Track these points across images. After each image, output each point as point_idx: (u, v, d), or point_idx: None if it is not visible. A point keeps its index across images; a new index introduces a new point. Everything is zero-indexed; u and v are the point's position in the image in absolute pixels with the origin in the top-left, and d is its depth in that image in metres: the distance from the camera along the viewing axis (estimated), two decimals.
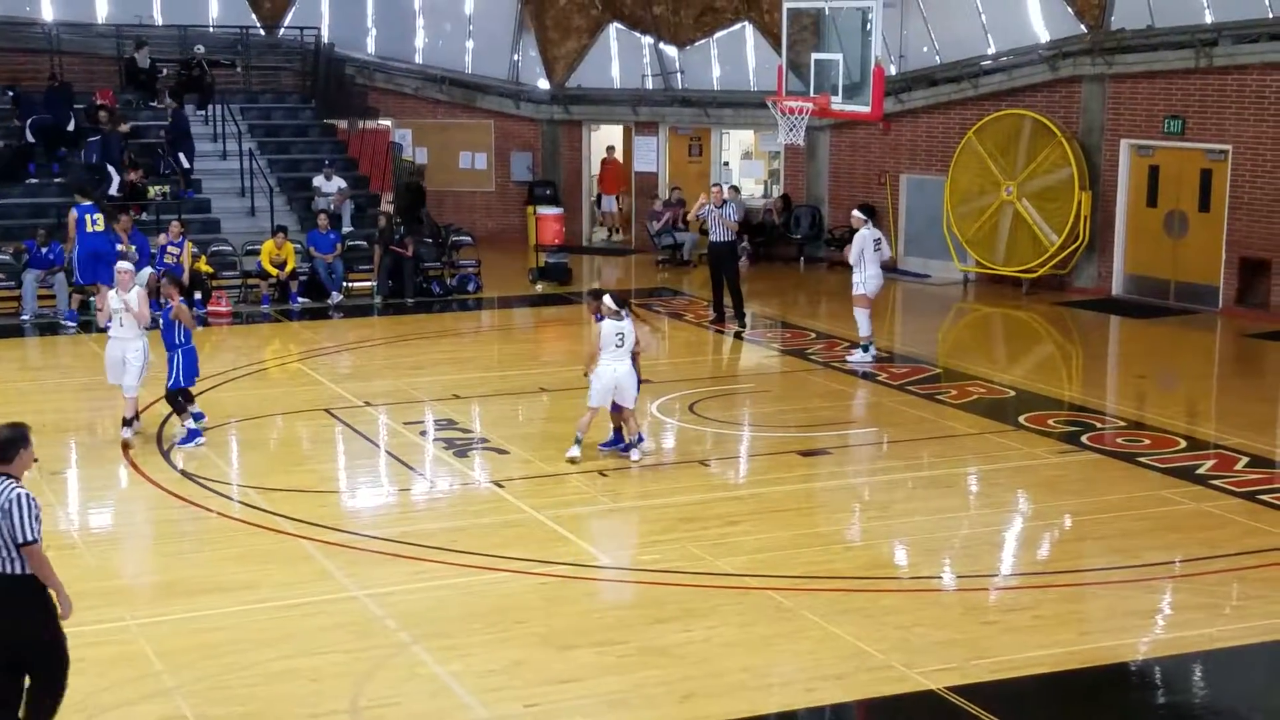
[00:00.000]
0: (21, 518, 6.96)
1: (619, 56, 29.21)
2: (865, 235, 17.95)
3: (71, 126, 24.01)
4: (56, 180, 23.47)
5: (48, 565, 7.18)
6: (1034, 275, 23.12)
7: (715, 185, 21.79)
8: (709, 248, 20.88)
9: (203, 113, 25.70)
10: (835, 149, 26.71)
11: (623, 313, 13.33)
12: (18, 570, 7.03)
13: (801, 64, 20.63)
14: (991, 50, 24.36)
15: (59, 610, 7.29)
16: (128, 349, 13.92)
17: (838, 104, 19.24)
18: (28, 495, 7.05)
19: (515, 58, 29.65)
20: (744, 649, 9.14)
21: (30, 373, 18.08)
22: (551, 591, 10.17)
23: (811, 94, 19.56)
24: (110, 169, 23.07)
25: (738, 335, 20.14)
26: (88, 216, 19.90)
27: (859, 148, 26.36)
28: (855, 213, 18.49)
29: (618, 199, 29.62)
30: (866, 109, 18.84)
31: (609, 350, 13.18)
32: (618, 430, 13.63)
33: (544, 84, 29.36)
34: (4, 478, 7.09)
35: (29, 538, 6.97)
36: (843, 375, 17.43)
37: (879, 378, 17.21)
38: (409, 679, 8.73)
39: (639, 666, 8.90)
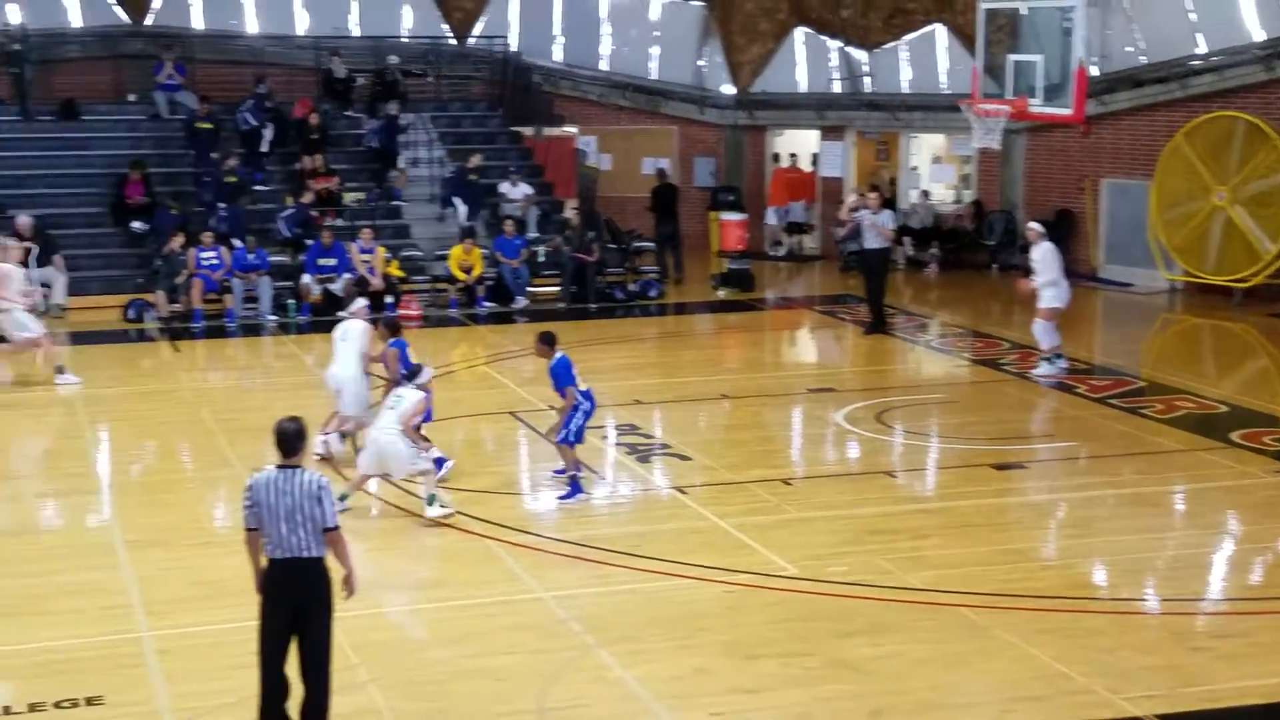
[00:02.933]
0: (329, 505, 7.56)
1: (805, 60, 29.05)
2: (1050, 248, 17.47)
3: (272, 135, 24.86)
4: (256, 187, 24.29)
5: (347, 549, 7.73)
6: (1247, 285, 22.23)
7: (873, 191, 21.52)
8: (863, 255, 20.62)
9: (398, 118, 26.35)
10: (1031, 153, 26.13)
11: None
12: (316, 553, 7.56)
13: (997, 65, 20.25)
14: (1201, 50, 23.52)
15: (344, 591, 7.82)
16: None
17: (1036, 106, 18.82)
18: (329, 483, 7.62)
19: (700, 63, 29.73)
20: (935, 666, 8.98)
21: (236, 372, 18.77)
22: (736, 600, 10.14)
23: (1008, 96, 19.17)
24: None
25: (868, 332, 20.00)
26: None
27: (1056, 151, 25.72)
28: (1033, 225, 18.03)
29: (787, 211, 28.81)
30: (1067, 111, 18.40)
31: None
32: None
33: (728, 89, 29.38)
34: (297, 469, 7.59)
35: (334, 523, 7.58)
36: (1038, 387, 17.01)
37: (1078, 390, 16.75)
38: (595, 682, 8.79)
39: (825, 679, 8.81)
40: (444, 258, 22.93)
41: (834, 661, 9.04)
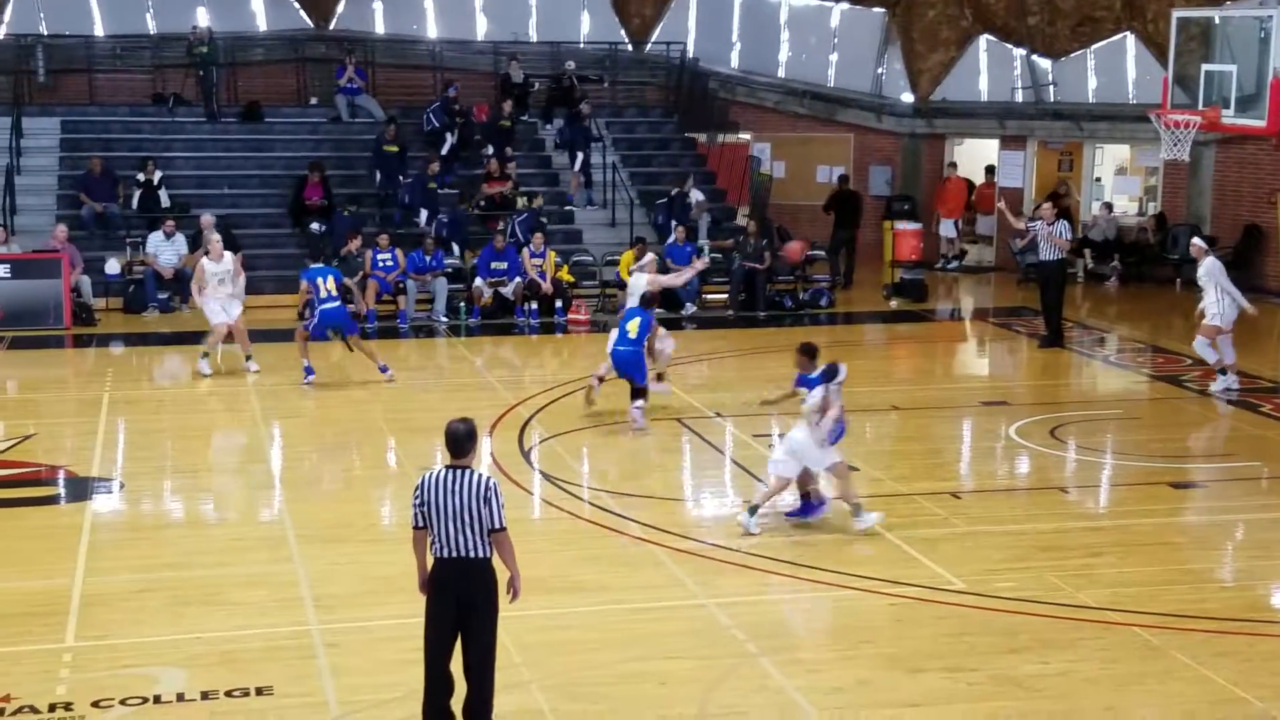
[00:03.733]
0: (498, 507, 7.71)
1: (987, 68, 28.63)
2: (1215, 263, 16.88)
3: (454, 139, 25.39)
4: (444, 190, 24.81)
5: (513, 551, 7.85)
6: None
7: (1047, 202, 21.09)
8: (1038, 266, 20.22)
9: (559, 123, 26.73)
10: (1220, 165, 25.34)
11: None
12: (483, 554, 7.71)
13: (1189, 75, 19.69)
14: None
15: (508, 594, 7.95)
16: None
17: (1229, 117, 18.29)
18: (497, 485, 7.76)
19: (879, 70, 29.53)
20: (1107, 686, 8.80)
21: (408, 373, 19.20)
22: (901, 613, 10.07)
23: (1200, 107, 18.66)
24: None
25: (1043, 345, 19.68)
26: None
27: (1247, 164, 24.89)
28: (1196, 241, 17.48)
29: (958, 223, 28.31)
30: (1261, 123, 17.83)
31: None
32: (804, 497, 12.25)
33: (907, 97, 29.10)
34: (467, 470, 7.75)
35: (502, 525, 7.71)
36: (1219, 405, 16.50)
37: (1262, 409, 16.21)
38: (757, 690, 8.82)
39: (991, 696, 8.70)
40: (615, 263, 23.17)
41: (1000, 678, 8.92)
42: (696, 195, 25.09)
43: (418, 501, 7.75)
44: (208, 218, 22.49)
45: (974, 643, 9.52)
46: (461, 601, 7.71)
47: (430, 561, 7.87)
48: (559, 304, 22.10)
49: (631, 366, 15.07)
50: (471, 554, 7.68)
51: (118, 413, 16.08)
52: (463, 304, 22.06)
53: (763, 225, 24.80)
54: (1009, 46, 28.03)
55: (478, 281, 22.22)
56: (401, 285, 21.94)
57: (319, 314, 17.18)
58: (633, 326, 15.08)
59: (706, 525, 12.35)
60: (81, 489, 13.14)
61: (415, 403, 16.82)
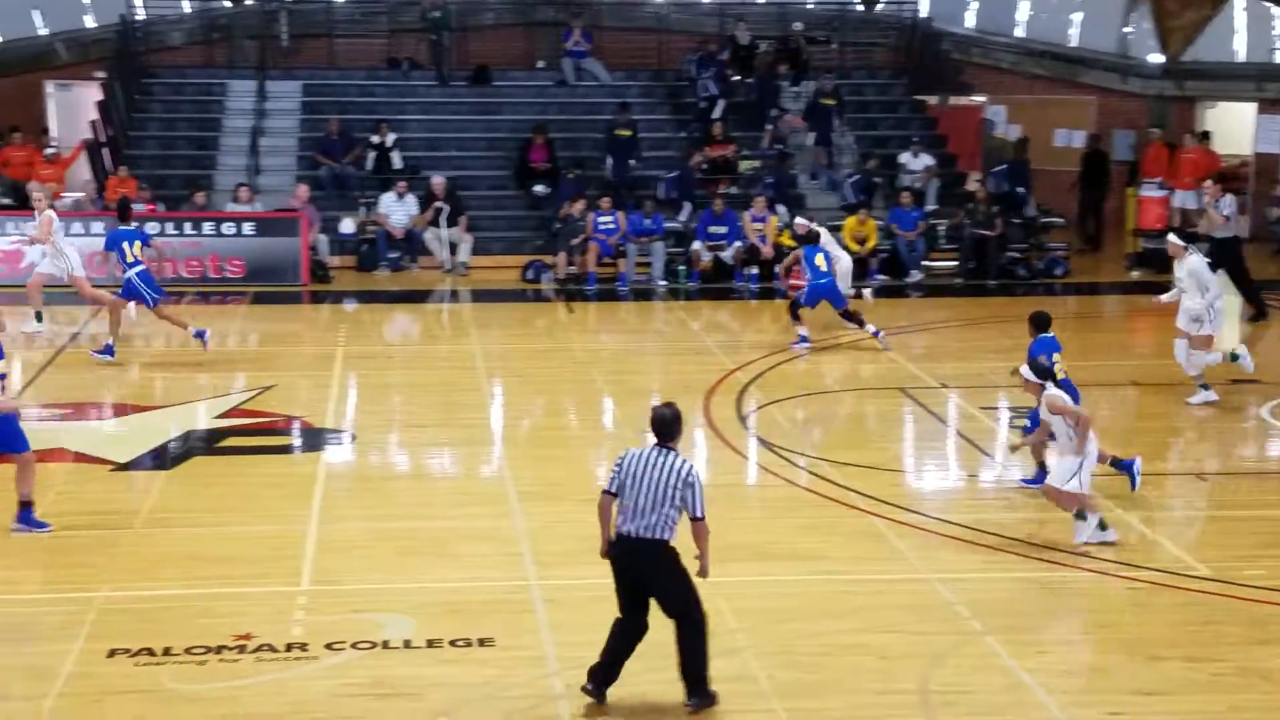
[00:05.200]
0: (699, 494, 7.75)
1: (1246, 27, 27.22)
2: (1199, 262, 14.96)
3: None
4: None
5: (708, 541, 7.90)
6: None
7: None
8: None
9: (796, 89, 26.43)
10: None
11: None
12: (663, 536, 7.74)
13: None
14: None
15: (699, 570, 7.95)
16: None
17: None
18: (699, 475, 7.80)
19: (1126, 29, 28.36)
20: None
21: (626, 335, 19.36)
22: (1141, 598, 9.67)
23: None
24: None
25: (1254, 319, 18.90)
26: None
27: None
28: (1172, 239, 15.39)
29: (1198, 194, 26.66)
30: None
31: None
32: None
33: (1156, 57, 27.89)
34: (672, 452, 7.80)
35: (701, 514, 7.78)
36: None
37: None
38: (980, 669, 8.58)
39: (1237, 688, 8.29)
40: (838, 228, 22.85)
41: (1246, 669, 8.49)
42: (925, 160, 24.55)
43: (617, 468, 7.85)
44: (437, 180, 23.02)
45: (1219, 632, 9.07)
46: (638, 578, 7.83)
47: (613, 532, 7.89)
48: (779, 269, 21.91)
49: (830, 293, 17.09)
50: (654, 534, 7.73)
51: (350, 367, 16.59)
52: (681, 267, 22.07)
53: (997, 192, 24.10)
54: (1270, 4, 26.57)
55: (696, 244, 22.20)
56: (622, 248, 22.06)
57: (127, 280, 16.52)
58: (820, 261, 17.13)
59: (929, 498, 12.08)
60: (315, 439, 13.60)
61: (633, 365, 16.92)
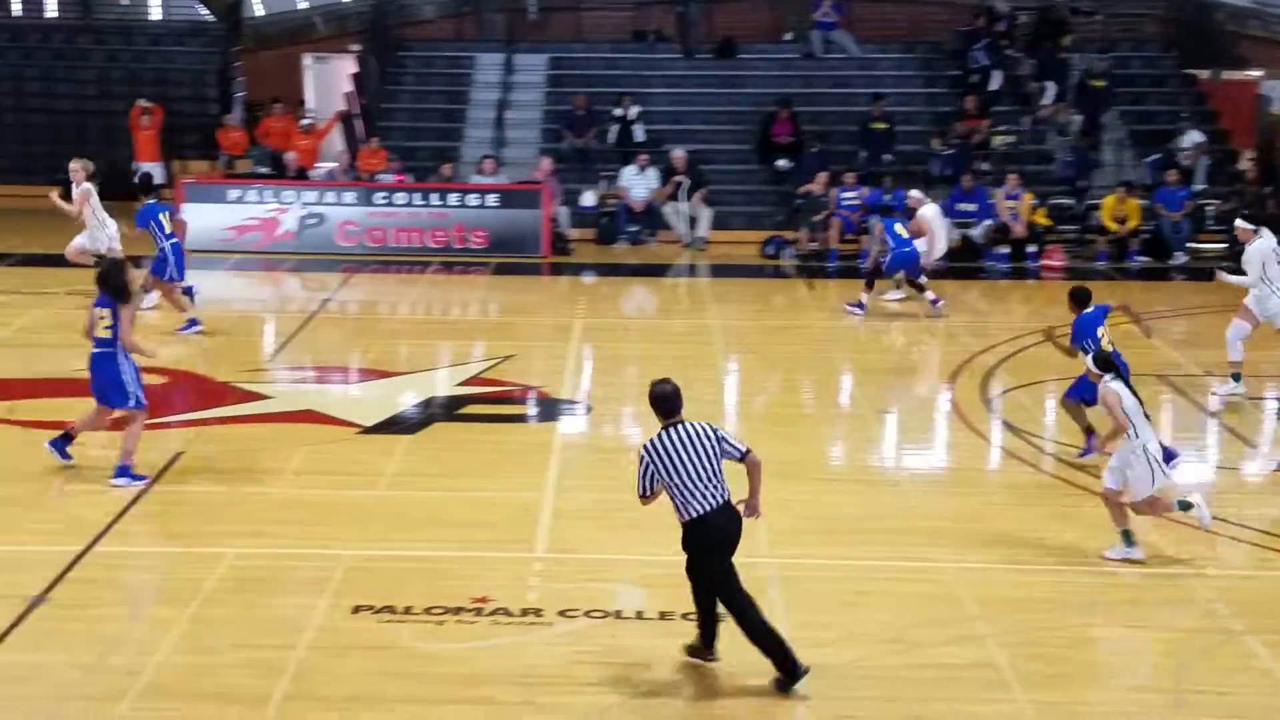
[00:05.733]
0: (729, 435, 7.99)
1: None
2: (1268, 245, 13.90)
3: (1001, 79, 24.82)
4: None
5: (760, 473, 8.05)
6: None
7: None
8: None
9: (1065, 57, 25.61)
10: None
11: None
12: (728, 495, 7.88)
13: None
14: None
15: (747, 514, 8.05)
16: None
17: None
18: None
19: None
20: None
21: (866, 315, 19.13)
22: None
23: None
24: None
25: None
26: None
27: None
28: (1240, 222, 14.49)
29: None
30: None
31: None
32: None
33: None
34: (685, 424, 7.95)
35: (746, 448, 7.99)
36: None
37: None
38: (1239, 670, 8.22)
39: None
40: (1096, 207, 22.14)
41: None
42: (1194, 137, 23.55)
43: (647, 473, 7.86)
44: (679, 153, 23.14)
45: None
46: (734, 543, 7.94)
47: (687, 521, 7.87)
48: (1031, 248, 21.33)
49: (909, 262, 17.47)
50: (726, 496, 7.84)
51: (587, 339, 16.84)
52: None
53: (1270, 171, 22.95)
54: None
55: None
56: (865, 224, 21.79)
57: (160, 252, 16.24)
58: (900, 229, 17.62)
59: (1189, 490, 11.58)
60: (551, 410, 13.86)
61: (874, 344, 16.73)
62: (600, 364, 15.93)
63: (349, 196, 22.05)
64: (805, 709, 7.81)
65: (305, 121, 24.99)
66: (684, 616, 8.83)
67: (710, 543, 7.91)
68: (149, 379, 12.61)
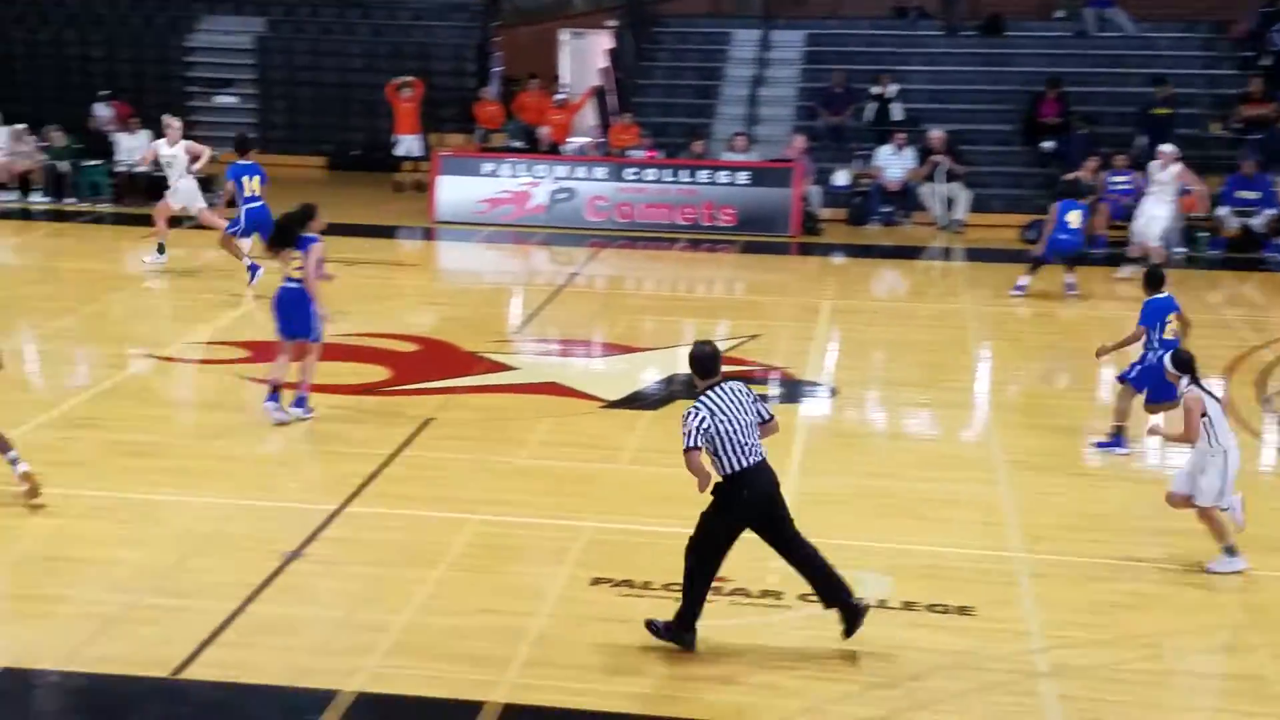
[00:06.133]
0: (760, 398, 8.23)
1: None
2: None
3: None
4: None
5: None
6: None
7: None
8: None
9: None
10: None
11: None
12: (765, 453, 8.10)
13: None
14: None
15: None
16: None
17: None
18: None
19: None
20: None
21: (1133, 305, 18.42)
22: None
23: None
24: None
25: None
26: None
27: None
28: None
29: None
30: None
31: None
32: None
33: None
34: (725, 382, 8.11)
35: (772, 414, 8.22)
36: None
37: None
38: None
39: None
40: None
41: None
42: None
43: (703, 425, 7.91)
44: (937, 133, 22.68)
45: None
46: (770, 500, 8.11)
47: (721, 477, 8.00)
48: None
49: (1070, 249, 17.74)
50: (763, 453, 8.09)
51: (835, 321, 16.66)
52: (1202, 234, 20.75)
53: None
54: None
55: (1221, 210, 20.78)
56: (1132, 209, 20.94)
57: (244, 213, 16.78)
58: (1072, 218, 17.63)
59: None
60: (795, 391, 13.75)
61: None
62: (847, 347, 15.73)
63: (599, 171, 22.31)
64: (1057, 711, 7.56)
65: (559, 96, 25.38)
66: (929, 608, 8.68)
67: (748, 499, 8.03)
68: (402, 347, 13.05)
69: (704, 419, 7.93)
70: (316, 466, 11.21)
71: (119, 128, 23.92)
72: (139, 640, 8.07)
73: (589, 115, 25.54)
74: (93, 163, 22.96)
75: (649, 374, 14.19)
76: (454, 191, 22.29)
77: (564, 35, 30.50)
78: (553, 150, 23.42)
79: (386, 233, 21.73)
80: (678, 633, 8.13)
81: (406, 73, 25.58)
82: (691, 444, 7.91)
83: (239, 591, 8.66)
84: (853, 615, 8.08)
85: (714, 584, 8.64)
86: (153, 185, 22.76)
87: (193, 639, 8.04)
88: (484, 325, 15.97)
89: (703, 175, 22.14)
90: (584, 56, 29.95)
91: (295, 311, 11.94)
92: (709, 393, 8.07)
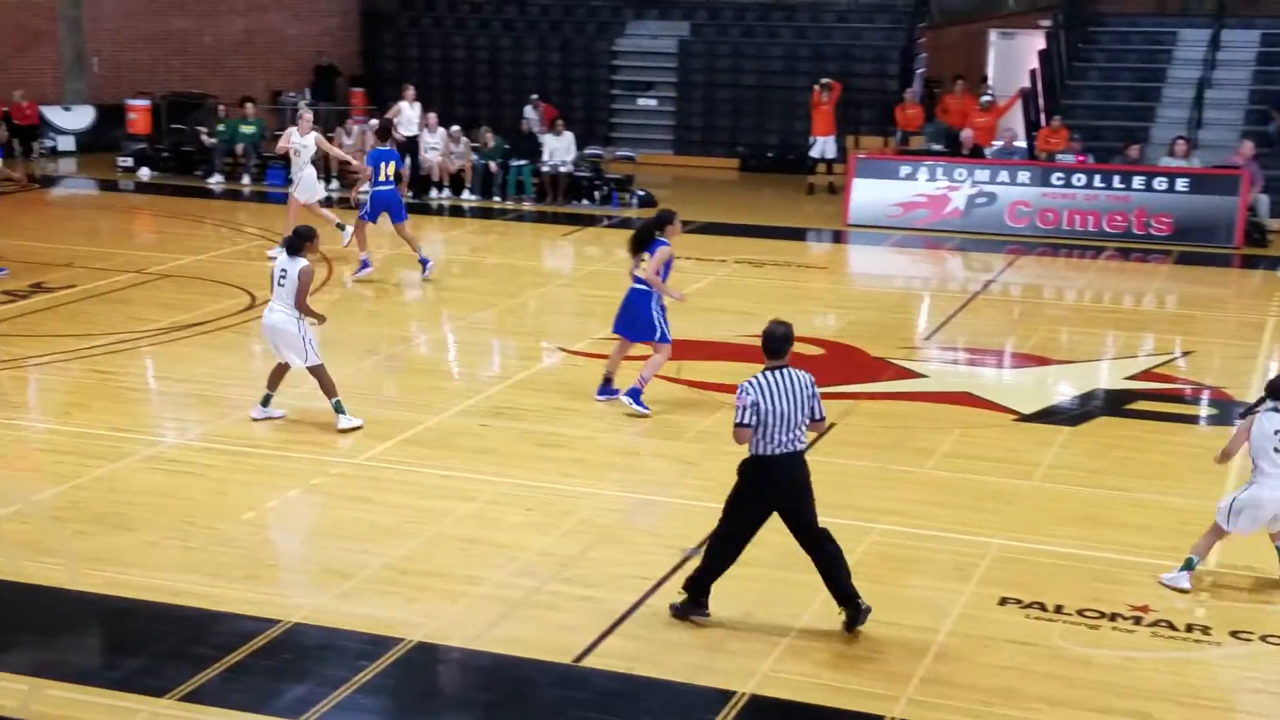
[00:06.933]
0: (818, 395, 8.21)
1: None
2: None
3: None
4: None
5: None
6: None
7: None
8: None
9: None
10: None
11: None
12: (804, 445, 8.22)
13: None
14: None
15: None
16: None
17: None
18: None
19: None
20: None
21: None
22: None
23: None
24: None
25: None
26: None
27: None
28: None
29: None
30: None
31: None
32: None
33: None
34: (788, 369, 8.15)
35: (824, 414, 8.28)
36: None
37: None
38: None
39: None
40: None
41: None
42: None
43: (751, 401, 8.01)
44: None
45: None
46: (791, 491, 8.18)
47: (753, 457, 8.13)
48: None
49: None
50: (799, 446, 8.12)
51: (1279, 340, 15.56)
52: None
53: None
54: None
55: None
56: None
57: (371, 195, 17.41)
58: None
59: None
60: (1230, 413, 12.90)
61: None
62: None
63: (1023, 176, 21.68)
64: None
65: (985, 98, 24.82)
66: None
67: (766, 484, 8.15)
68: (806, 350, 13.03)
69: (754, 400, 8.06)
70: (715, 465, 11.30)
71: (545, 129, 25.00)
72: (543, 625, 8.36)
73: (1016, 118, 24.87)
74: (519, 163, 24.06)
75: (1066, 387, 13.66)
76: (868, 194, 22.15)
77: (993, 36, 29.82)
78: (975, 154, 22.92)
79: (797, 235, 21.81)
80: (691, 606, 8.39)
81: (827, 74, 25.63)
82: (741, 420, 8.10)
83: (640, 585, 8.84)
84: (856, 614, 8.23)
85: (1135, 613, 8.24)
86: (573, 185, 23.77)
87: (595, 628, 8.26)
88: (893, 331, 15.78)
89: (1137, 181, 21.17)
90: (1013, 57, 29.19)
91: (637, 314, 12.29)
92: (766, 374, 8.16)
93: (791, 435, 8.13)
